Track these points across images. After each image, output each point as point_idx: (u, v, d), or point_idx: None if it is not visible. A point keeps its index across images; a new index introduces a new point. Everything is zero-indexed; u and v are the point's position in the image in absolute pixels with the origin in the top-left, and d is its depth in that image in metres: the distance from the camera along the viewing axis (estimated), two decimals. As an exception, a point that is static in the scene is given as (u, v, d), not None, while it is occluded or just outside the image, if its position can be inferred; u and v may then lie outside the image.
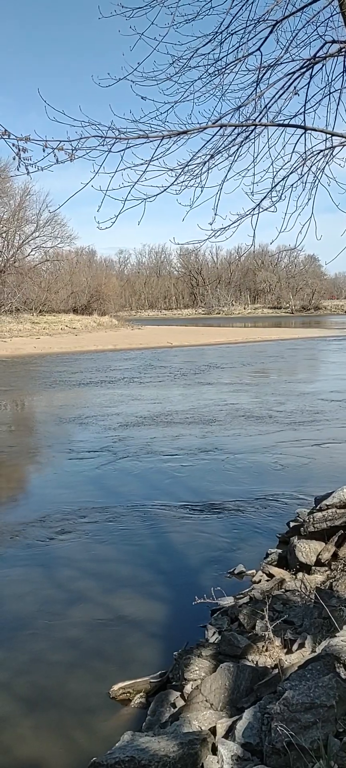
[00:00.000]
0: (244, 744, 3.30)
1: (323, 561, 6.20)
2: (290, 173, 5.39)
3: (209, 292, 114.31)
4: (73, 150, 4.00)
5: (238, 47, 5.54)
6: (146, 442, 13.21)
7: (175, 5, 5.32)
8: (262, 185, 5.41)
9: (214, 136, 5.05)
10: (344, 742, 2.86)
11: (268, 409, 16.66)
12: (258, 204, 5.31)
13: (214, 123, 5.05)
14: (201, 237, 5.23)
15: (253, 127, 5.24)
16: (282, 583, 6.10)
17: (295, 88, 5.41)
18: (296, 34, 5.46)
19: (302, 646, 4.47)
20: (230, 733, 3.52)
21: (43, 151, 3.86)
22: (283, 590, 5.91)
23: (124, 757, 3.30)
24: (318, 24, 5.40)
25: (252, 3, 5.46)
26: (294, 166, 5.37)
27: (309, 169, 5.41)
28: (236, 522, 8.42)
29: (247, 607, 5.59)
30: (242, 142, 5.24)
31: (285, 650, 4.61)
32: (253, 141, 5.31)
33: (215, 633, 5.38)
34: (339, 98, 5.56)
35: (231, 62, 5.56)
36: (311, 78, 5.47)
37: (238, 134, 5.19)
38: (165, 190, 4.77)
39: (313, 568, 6.20)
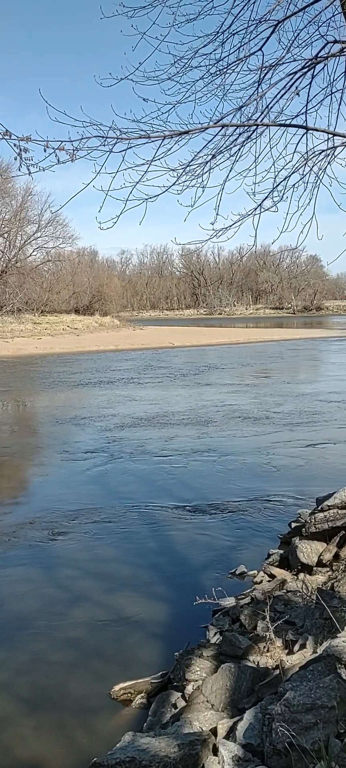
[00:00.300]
0: (245, 745, 3.29)
1: (324, 562, 6.19)
2: (292, 173, 5.39)
3: (211, 292, 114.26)
4: (74, 150, 4.00)
5: (239, 47, 5.55)
6: (143, 443, 13.19)
7: (176, 5, 5.33)
8: (263, 185, 5.41)
9: (215, 136, 5.05)
10: (345, 742, 2.85)
11: (266, 410, 16.62)
12: (260, 204, 5.31)
13: (215, 123, 5.05)
14: (203, 237, 5.24)
15: (254, 127, 5.24)
16: (283, 584, 6.09)
17: (296, 88, 5.41)
18: (298, 34, 5.47)
19: (303, 646, 4.46)
20: (230, 733, 3.51)
21: (45, 151, 3.86)
22: (284, 591, 5.90)
23: (125, 758, 3.30)
24: (320, 24, 5.41)
25: (254, 3, 5.47)
26: (296, 166, 5.37)
27: (311, 169, 5.41)
28: (236, 522, 8.41)
29: (248, 607, 5.58)
30: (244, 142, 5.24)
31: (286, 651, 4.60)
32: (254, 141, 5.31)
33: (216, 633, 5.38)
34: (341, 98, 5.57)
35: (233, 62, 5.57)
36: (312, 78, 5.47)
37: (239, 134, 5.19)
38: (167, 190, 4.77)
39: (314, 568, 6.19)
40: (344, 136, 5.20)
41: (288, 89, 5.42)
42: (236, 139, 5.18)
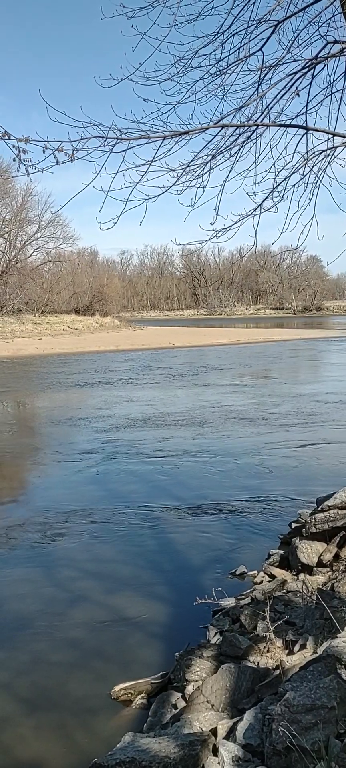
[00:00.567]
0: (245, 745, 3.29)
1: (324, 562, 6.19)
2: (292, 173, 5.39)
3: (211, 292, 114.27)
4: (74, 150, 3.99)
5: (239, 48, 5.54)
6: (139, 444, 13.18)
7: (176, 5, 5.33)
8: (263, 185, 5.41)
9: (215, 136, 5.05)
10: (345, 743, 2.85)
11: (264, 411, 16.59)
12: (260, 204, 5.31)
13: (216, 123, 5.05)
14: (203, 237, 5.23)
15: (255, 127, 5.23)
16: (284, 584, 6.09)
17: (297, 88, 5.40)
18: (298, 34, 5.47)
19: (303, 647, 4.46)
20: (230, 734, 3.51)
21: (44, 152, 3.86)
22: (284, 591, 5.90)
23: (125, 758, 3.30)
24: (320, 24, 5.41)
25: (254, 3, 5.46)
26: (296, 166, 5.37)
27: (311, 170, 5.40)
28: (236, 522, 8.41)
29: (248, 607, 5.57)
30: (244, 142, 5.24)
31: (286, 651, 4.60)
32: (254, 141, 5.31)
33: (216, 634, 5.38)
34: (341, 98, 5.56)
35: (233, 63, 5.57)
36: (312, 78, 5.47)
37: (239, 134, 5.19)
38: (167, 190, 4.77)
39: (314, 569, 6.18)
40: (344, 137, 5.19)
41: (288, 89, 5.42)
42: (236, 140, 5.18)
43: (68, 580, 6.77)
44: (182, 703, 4.36)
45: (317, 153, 5.34)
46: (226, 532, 8.10)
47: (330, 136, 5.32)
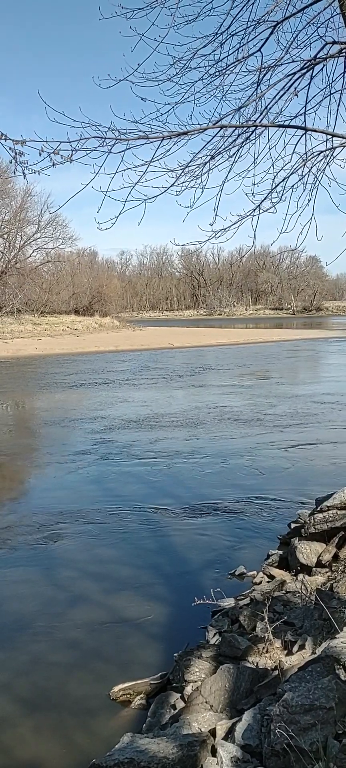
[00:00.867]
0: (243, 746, 3.29)
1: (323, 562, 6.19)
2: (291, 174, 5.39)
3: (211, 293, 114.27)
4: (72, 151, 4.00)
5: (238, 48, 5.54)
6: (135, 445, 13.18)
7: (175, 6, 5.33)
8: (262, 186, 5.42)
9: (214, 137, 5.06)
10: (343, 743, 2.85)
11: (259, 412, 16.58)
12: (258, 205, 5.32)
13: (214, 124, 5.06)
14: (202, 238, 5.24)
15: (253, 128, 5.24)
16: (283, 585, 6.09)
17: (295, 89, 5.41)
18: (297, 35, 5.47)
19: (302, 647, 4.46)
20: (229, 734, 3.51)
21: (40, 155, 3.86)
22: (283, 591, 5.90)
23: (124, 759, 3.30)
24: (318, 25, 5.41)
25: (252, 4, 5.46)
26: (295, 167, 5.37)
27: (309, 170, 5.41)
28: (236, 523, 8.41)
29: (247, 608, 5.58)
30: (243, 143, 5.25)
31: (285, 652, 4.60)
32: (253, 142, 5.32)
33: (215, 634, 5.38)
34: (340, 99, 5.57)
35: (232, 63, 5.57)
36: (311, 79, 5.47)
37: (238, 135, 5.20)
38: (166, 191, 4.78)
39: (313, 569, 6.19)
40: (342, 137, 5.20)
41: (287, 90, 5.42)
42: (234, 140, 5.18)
43: (67, 580, 6.77)
44: (180, 704, 4.36)
45: (315, 154, 5.35)
46: (225, 532, 8.10)
47: (329, 136, 5.33)
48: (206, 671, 4.63)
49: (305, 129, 5.26)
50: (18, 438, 15.48)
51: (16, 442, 14.79)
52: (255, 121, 5.38)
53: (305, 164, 5.35)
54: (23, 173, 3.90)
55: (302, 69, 5.41)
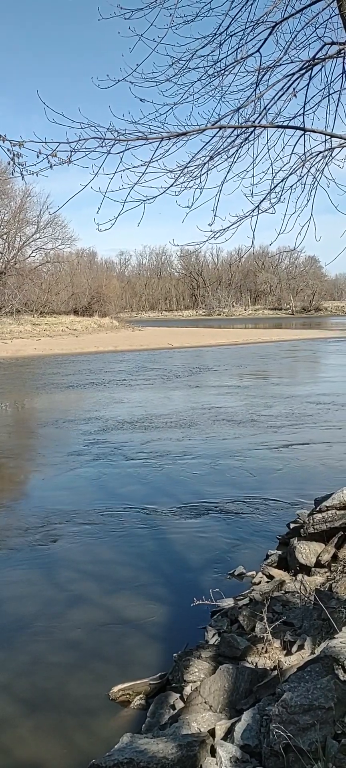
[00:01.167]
0: (242, 746, 3.30)
1: (322, 562, 6.19)
2: (290, 174, 5.39)
3: (210, 293, 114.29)
4: (71, 152, 4.00)
5: (237, 49, 5.54)
6: (131, 445, 13.17)
7: (174, 7, 5.32)
8: (261, 186, 5.42)
9: (213, 137, 5.06)
10: (342, 743, 2.85)
11: (254, 412, 16.58)
12: (257, 206, 5.32)
13: (213, 124, 5.06)
14: (201, 238, 5.24)
15: (252, 128, 5.24)
16: (282, 585, 6.09)
17: (294, 89, 5.41)
18: (295, 35, 5.47)
19: (301, 647, 4.47)
20: (228, 734, 3.51)
21: (37, 157, 3.87)
22: (283, 592, 5.91)
23: (123, 759, 3.30)
24: (317, 26, 5.41)
25: (251, 5, 5.46)
26: (293, 167, 5.37)
27: (308, 171, 5.41)
28: (235, 523, 8.41)
29: (247, 608, 5.58)
30: (242, 143, 5.25)
31: (284, 652, 4.61)
32: (252, 142, 5.32)
33: (214, 634, 5.38)
34: (338, 100, 5.57)
35: (230, 64, 5.57)
36: (310, 79, 5.48)
37: (237, 136, 5.20)
38: (165, 191, 4.78)
39: (313, 569, 6.19)
40: (341, 138, 5.20)
41: (286, 91, 5.43)
42: (233, 141, 5.19)
43: (67, 580, 6.77)
44: (180, 704, 4.36)
45: (314, 154, 5.35)
46: (224, 532, 8.10)
47: (328, 137, 5.33)
48: (205, 671, 4.63)
49: (304, 129, 5.27)
50: (16, 439, 15.48)
51: (14, 443, 14.79)
52: (254, 121, 5.39)
53: (303, 165, 5.35)
54: (21, 174, 3.91)
55: (300, 69, 5.42)
